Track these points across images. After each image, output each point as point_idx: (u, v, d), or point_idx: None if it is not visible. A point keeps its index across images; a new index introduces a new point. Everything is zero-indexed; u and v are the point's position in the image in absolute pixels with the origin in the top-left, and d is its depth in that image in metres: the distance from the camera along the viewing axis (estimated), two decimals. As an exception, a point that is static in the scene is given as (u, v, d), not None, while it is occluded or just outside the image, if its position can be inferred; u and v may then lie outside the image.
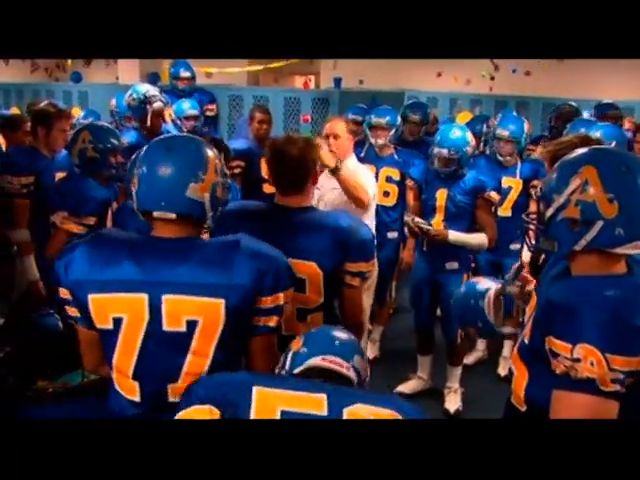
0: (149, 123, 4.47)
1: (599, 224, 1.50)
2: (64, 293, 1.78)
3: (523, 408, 1.64)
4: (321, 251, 2.22)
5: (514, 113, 5.49)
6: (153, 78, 7.19)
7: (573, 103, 5.80)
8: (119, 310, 1.73)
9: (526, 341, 1.64)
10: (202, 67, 7.99)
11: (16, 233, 3.79)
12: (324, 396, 1.53)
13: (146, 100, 4.52)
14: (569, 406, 1.44)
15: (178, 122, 5.22)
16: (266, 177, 4.88)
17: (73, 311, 1.80)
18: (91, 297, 1.72)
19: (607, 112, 5.16)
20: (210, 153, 1.79)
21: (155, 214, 1.75)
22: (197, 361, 1.74)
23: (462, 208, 3.80)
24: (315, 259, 2.22)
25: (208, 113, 6.37)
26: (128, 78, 7.16)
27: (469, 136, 3.85)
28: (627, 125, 5.82)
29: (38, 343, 2.73)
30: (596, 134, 4.69)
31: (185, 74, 6.21)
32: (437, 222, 3.84)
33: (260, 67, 11.42)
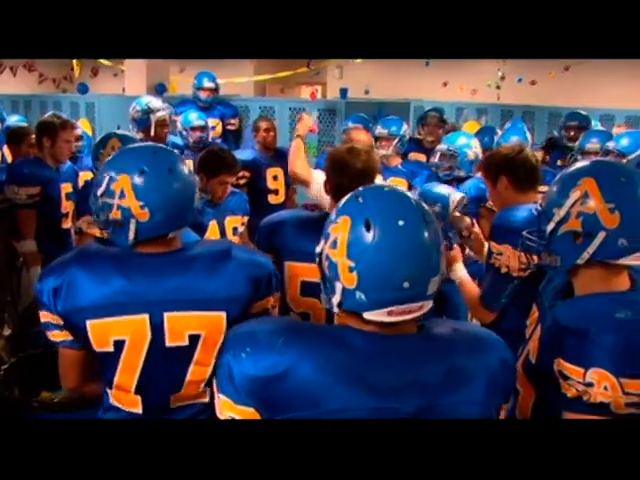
0: (153, 133, 4.49)
1: (601, 235, 1.49)
2: (51, 318, 1.70)
3: None
4: None
5: (522, 123, 5.51)
6: (160, 89, 7.21)
7: (582, 111, 5.78)
8: (120, 333, 1.68)
9: (532, 360, 1.61)
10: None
11: (23, 244, 3.82)
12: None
13: (149, 111, 4.55)
14: None
15: (184, 133, 5.22)
16: (271, 187, 4.97)
17: (61, 335, 1.73)
18: (90, 323, 1.66)
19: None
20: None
21: (170, 235, 1.74)
22: (200, 370, 1.73)
23: (466, 218, 3.80)
24: None
25: (229, 127, 6.28)
26: (135, 89, 7.16)
27: (473, 143, 3.89)
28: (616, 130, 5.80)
29: (43, 354, 2.73)
30: (616, 145, 4.57)
31: (208, 84, 6.17)
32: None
33: (267, 77, 11.44)
